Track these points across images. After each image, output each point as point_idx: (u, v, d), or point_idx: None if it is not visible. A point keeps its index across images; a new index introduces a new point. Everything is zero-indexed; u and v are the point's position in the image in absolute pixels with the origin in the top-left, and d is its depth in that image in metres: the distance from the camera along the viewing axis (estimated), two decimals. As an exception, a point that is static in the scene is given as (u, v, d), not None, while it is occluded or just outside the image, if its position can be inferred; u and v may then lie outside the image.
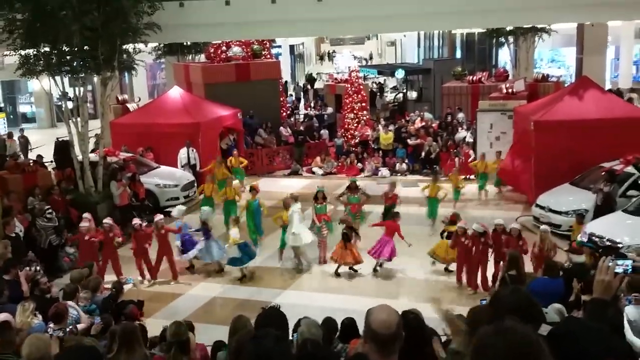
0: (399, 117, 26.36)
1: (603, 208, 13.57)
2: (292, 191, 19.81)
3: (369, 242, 13.52)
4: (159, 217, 13.64)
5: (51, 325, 7.71)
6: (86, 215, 13.81)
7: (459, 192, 17.41)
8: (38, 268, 10.96)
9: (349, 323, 7.51)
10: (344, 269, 13.40)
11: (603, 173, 14.40)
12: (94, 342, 5.28)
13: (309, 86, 39.76)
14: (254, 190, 14.80)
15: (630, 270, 3.44)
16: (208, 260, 13.67)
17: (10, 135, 25.31)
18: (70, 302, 8.47)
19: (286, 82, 40.86)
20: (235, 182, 18.15)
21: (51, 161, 18.27)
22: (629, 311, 6.11)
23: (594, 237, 12.07)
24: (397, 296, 12.24)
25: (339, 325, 7.57)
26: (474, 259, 12.16)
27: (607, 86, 28.07)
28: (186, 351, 6.41)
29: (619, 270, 3.36)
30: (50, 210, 14.26)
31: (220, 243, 13.76)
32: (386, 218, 14.58)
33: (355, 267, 13.36)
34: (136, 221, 13.52)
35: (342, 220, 13.70)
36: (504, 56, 32.93)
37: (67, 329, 7.65)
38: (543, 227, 12.21)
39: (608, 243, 11.72)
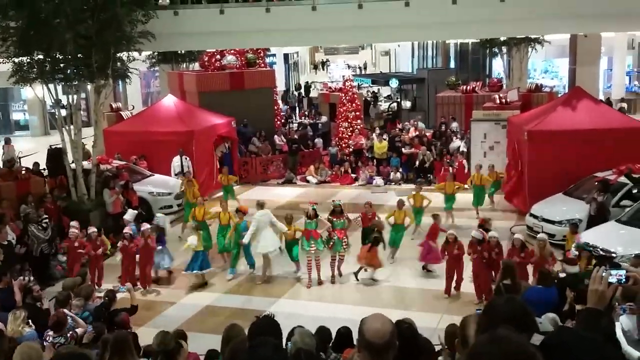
0: (390, 126, 26.40)
1: (597, 218, 13.59)
2: (286, 200, 19.88)
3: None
4: (145, 226, 13.58)
5: (50, 333, 7.66)
6: (74, 223, 13.74)
7: (421, 213, 15.70)
8: (32, 278, 10.91)
9: (345, 332, 7.47)
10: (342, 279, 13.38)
11: (596, 183, 14.44)
12: (84, 352, 5.22)
13: (303, 95, 39.86)
14: (240, 212, 14.15)
15: (624, 280, 3.41)
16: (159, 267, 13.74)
17: (7, 140, 25.35)
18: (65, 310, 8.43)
19: (287, 90, 40.97)
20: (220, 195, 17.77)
21: (44, 169, 18.19)
22: (623, 321, 6.09)
23: (587, 247, 12.08)
24: (392, 305, 12.20)
25: (333, 334, 7.54)
26: (474, 267, 12.18)
27: (600, 97, 28.24)
28: None
29: (613, 280, 3.34)
30: (46, 220, 14.21)
31: (170, 252, 13.89)
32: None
33: (375, 277, 13.34)
34: (127, 230, 13.42)
35: (374, 224, 13.58)
36: (498, 66, 33.10)
37: (68, 335, 7.61)
38: (541, 235, 12.18)
39: (602, 253, 11.72)
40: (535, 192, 16.04)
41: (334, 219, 13.58)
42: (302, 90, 42.48)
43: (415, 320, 6.66)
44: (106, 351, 6.45)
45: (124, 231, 13.45)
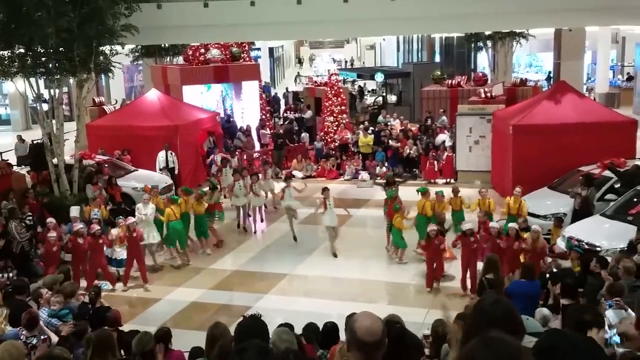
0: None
1: (581, 212, 13.63)
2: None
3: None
4: (130, 220, 13.41)
5: (24, 332, 7.51)
6: (51, 220, 13.44)
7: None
8: (12, 275, 10.75)
9: (332, 326, 7.42)
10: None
11: (581, 177, 14.49)
12: (63, 352, 5.12)
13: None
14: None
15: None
16: None
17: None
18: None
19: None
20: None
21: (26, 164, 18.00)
22: (609, 315, 6.14)
23: (572, 241, 12.12)
24: (379, 300, 12.20)
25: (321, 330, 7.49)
26: (464, 259, 12.23)
27: (584, 91, 28.35)
28: None
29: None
30: (30, 217, 13.96)
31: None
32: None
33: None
34: (77, 226, 12.93)
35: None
36: (483, 60, 33.17)
37: (42, 338, 7.47)
38: (535, 226, 12.09)
39: (587, 247, 11.77)
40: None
41: (386, 188, 15.02)
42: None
43: (401, 315, 6.64)
44: (89, 349, 6.36)
45: (74, 227, 12.99)
